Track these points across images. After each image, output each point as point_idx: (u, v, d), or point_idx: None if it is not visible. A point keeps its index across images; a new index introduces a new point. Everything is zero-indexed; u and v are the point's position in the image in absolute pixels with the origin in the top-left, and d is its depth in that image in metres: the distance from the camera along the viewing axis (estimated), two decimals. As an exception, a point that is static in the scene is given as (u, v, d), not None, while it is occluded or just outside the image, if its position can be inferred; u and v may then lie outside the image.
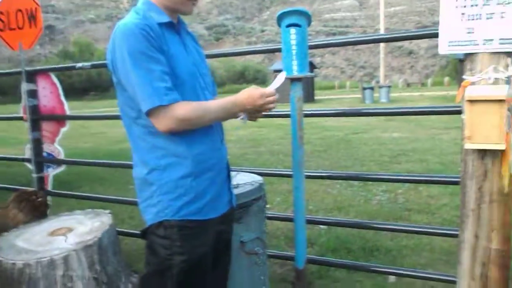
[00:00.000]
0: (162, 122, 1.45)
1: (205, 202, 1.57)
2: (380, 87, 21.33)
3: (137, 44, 1.41)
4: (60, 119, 3.56)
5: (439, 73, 49.91)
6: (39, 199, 3.16)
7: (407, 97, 21.81)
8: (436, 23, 1.84)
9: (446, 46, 1.82)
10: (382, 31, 27.36)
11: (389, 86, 21.46)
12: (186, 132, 1.51)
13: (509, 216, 1.84)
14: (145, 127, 1.53)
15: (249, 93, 1.58)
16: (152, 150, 1.54)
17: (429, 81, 38.55)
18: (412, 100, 19.95)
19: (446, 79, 35.62)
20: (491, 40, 1.72)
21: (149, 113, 1.44)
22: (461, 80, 1.85)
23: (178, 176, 1.52)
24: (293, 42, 1.89)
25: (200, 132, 1.56)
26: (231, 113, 1.58)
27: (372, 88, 21.32)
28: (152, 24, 1.46)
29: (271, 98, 1.60)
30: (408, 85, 38.38)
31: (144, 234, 1.63)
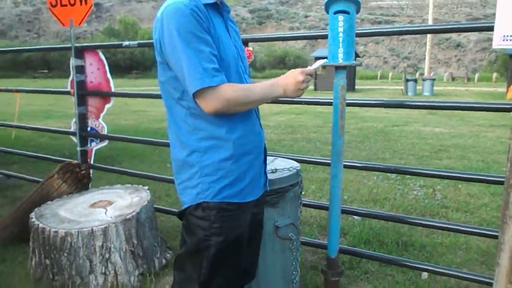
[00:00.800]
0: (210, 103, 1.45)
1: (244, 185, 1.59)
2: (424, 79, 20.68)
3: (187, 24, 1.41)
4: (105, 95, 3.66)
5: (487, 69, 47.91)
6: (83, 172, 3.28)
7: (452, 91, 21.09)
8: (487, 16, 1.79)
9: (500, 40, 1.74)
10: (430, 22, 26.45)
11: (433, 79, 20.77)
12: (228, 115, 1.52)
13: (554, 220, 1.77)
14: (188, 108, 1.53)
15: (290, 72, 1.59)
16: (193, 132, 1.54)
17: (476, 76, 37.08)
18: (457, 94, 19.29)
19: (495, 75, 34.17)
20: (550, 35, 1.64)
21: (197, 93, 1.44)
22: (511, 77, 1.78)
23: (219, 158, 1.53)
24: (341, 29, 1.86)
25: (241, 116, 1.57)
26: (275, 95, 1.57)
27: (415, 80, 20.71)
28: (199, 5, 1.47)
29: (309, 77, 1.59)
30: (454, 79, 37.07)
31: (181, 215, 1.65)
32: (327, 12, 1.92)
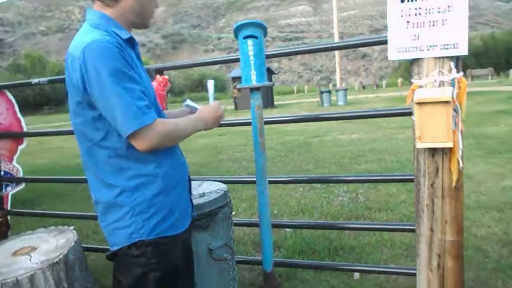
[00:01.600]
0: (147, 141, 1.41)
1: (176, 216, 1.58)
2: (337, 90, 21.81)
3: (115, 63, 1.36)
4: (17, 136, 3.47)
5: (393, 75, 51.56)
6: (0, 219, 3.08)
7: (364, 99, 22.41)
8: (386, 26, 1.96)
9: (394, 52, 1.93)
10: (336, 36, 27.98)
11: (345, 89, 21.98)
12: (153, 151, 1.49)
13: (461, 209, 1.96)
14: (112, 149, 1.48)
15: (210, 108, 1.67)
16: (120, 172, 1.49)
17: (384, 82, 39.77)
18: (368, 101, 20.52)
19: (400, 80, 36.84)
20: (435, 45, 1.85)
21: (132, 133, 1.39)
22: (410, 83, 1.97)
23: (150, 195, 1.51)
24: (251, 53, 1.95)
25: (166, 149, 1.56)
26: (199, 129, 1.63)
27: (329, 92, 21.76)
28: (120, 41, 1.44)
29: (223, 106, 1.69)
30: (364, 87, 39.39)
31: (112, 256, 1.59)
32: (237, 38, 2.01)
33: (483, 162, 5.93)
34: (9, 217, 3.38)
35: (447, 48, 1.83)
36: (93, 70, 1.36)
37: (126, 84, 1.37)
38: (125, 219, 1.50)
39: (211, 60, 2.71)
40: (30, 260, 2.56)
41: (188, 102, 1.81)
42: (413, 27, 1.89)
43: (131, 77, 1.40)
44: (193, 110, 1.76)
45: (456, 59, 1.85)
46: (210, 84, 1.84)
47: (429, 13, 1.85)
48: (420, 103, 1.78)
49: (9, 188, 3.56)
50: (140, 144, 1.42)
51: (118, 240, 1.54)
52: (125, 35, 1.50)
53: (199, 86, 45.50)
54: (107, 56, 1.36)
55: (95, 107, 1.43)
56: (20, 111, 3.46)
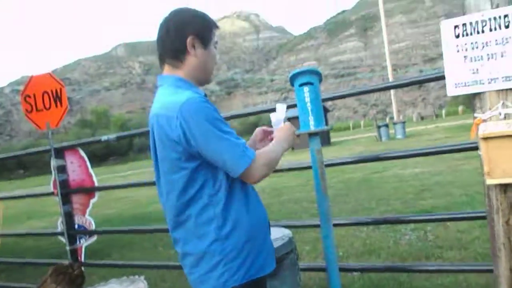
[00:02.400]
0: (256, 175, 1.54)
1: (264, 257, 1.64)
2: (395, 123, 21.39)
3: (212, 113, 1.50)
4: (89, 191, 3.69)
5: (453, 103, 49.73)
6: (76, 272, 3.23)
7: (423, 130, 21.76)
8: (441, 54, 1.93)
9: (453, 88, 1.91)
10: (389, 68, 27.72)
11: (403, 122, 21.51)
12: (240, 198, 1.59)
13: (542, 246, 1.84)
14: (209, 197, 1.56)
15: (286, 128, 1.81)
16: (211, 222, 1.56)
17: (443, 111, 38.48)
18: (428, 133, 19.88)
19: (460, 108, 35.54)
20: (496, 78, 1.81)
21: (244, 171, 1.51)
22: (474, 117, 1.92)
23: (241, 242, 1.57)
24: (307, 99, 1.99)
25: (250, 194, 1.66)
26: (285, 150, 1.74)
27: (386, 125, 21.37)
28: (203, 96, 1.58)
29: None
30: (422, 118, 38.38)
31: None
32: (292, 85, 2.06)
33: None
34: (83, 269, 3.54)
35: (510, 80, 1.78)
36: (195, 124, 1.48)
37: (225, 128, 1.51)
38: (218, 267, 1.56)
39: (263, 109, 2.77)
40: (105, 311, 2.65)
41: (279, 106, 1.93)
42: (471, 61, 1.86)
43: (224, 122, 1.54)
44: (270, 125, 1.92)
45: (520, 90, 1.79)
46: (282, 108, 1.91)
47: (487, 45, 1.82)
48: (486, 138, 1.73)
49: (82, 240, 3.74)
50: (251, 178, 1.55)
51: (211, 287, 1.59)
52: (201, 91, 1.64)
53: (255, 128, 46.21)
54: (204, 109, 1.49)
55: (195, 159, 1.53)
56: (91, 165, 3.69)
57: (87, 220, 3.69)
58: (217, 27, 1.74)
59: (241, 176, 1.52)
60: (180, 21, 1.65)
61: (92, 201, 3.69)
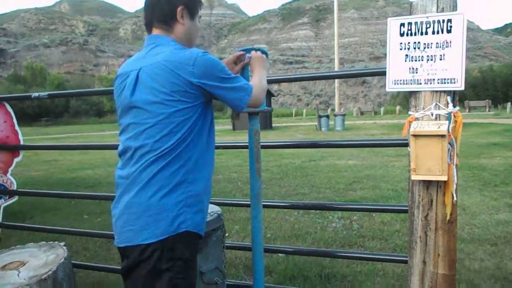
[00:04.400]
0: (259, 98, 1.78)
1: (203, 217, 1.73)
2: (335, 115, 21.94)
3: (221, 63, 1.70)
4: (13, 149, 3.47)
5: (391, 102, 51.95)
6: (-10, 232, 3.05)
7: (361, 125, 22.52)
8: (386, 54, 1.99)
9: (392, 84, 1.96)
10: (336, 62, 28.30)
11: (343, 114, 22.11)
12: (206, 154, 1.73)
13: (454, 242, 1.96)
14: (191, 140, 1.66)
15: (259, 56, 2.01)
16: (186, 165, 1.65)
17: (382, 109, 40.04)
18: (366, 128, 20.61)
19: (398, 108, 37.12)
20: (433, 80, 1.87)
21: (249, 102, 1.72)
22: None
23: (201, 191, 1.69)
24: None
25: (212, 156, 1.80)
26: (267, 72, 2.01)
27: (327, 116, 21.89)
28: None
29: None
30: (362, 113, 39.66)
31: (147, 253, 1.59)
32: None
33: (479, 194, 5.93)
34: (0, 230, 3.35)
35: (445, 83, 1.85)
36: (209, 73, 1.63)
37: (231, 74, 1.70)
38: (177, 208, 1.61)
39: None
40: (18, 275, 2.53)
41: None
42: (412, 60, 1.92)
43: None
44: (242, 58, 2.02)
45: (453, 93, 1.88)
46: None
47: (428, 47, 1.88)
48: (416, 135, 1.79)
49: (1, 200, 3.53)
50: (255, 103, 1.78)
51: (160, 230, 1.60)
52: None
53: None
54: (214, 59, 1.67)
55: (184, 101, 1.62)
56: (18, 122, 3.46)
57: (8, 179, 3.48)
58: (202, 4, 1.92)
59: (249, 103, 1.74)
60: None
61: (16, 159, 3.47)
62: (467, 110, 31.36)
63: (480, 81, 45.29)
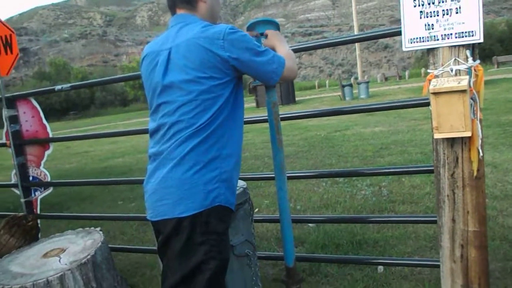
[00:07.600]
0: (294, 67, 1.82)
1: (235, 195, 1.79)
2: (359, 83, 21.53)
3: (251, 38, 1.71)
4: (44, 142, 3.58)
5: (416, 65, 50.60)
6: (30, 223, 3.19)
7: (386, 91, 22.10)
8: None
9: (408, 43, 1.92)
10: (355, 28, 27.70)
11: (367, 82, 21.68)
12: (237, 130, 1.81)
13: (483, 198, 1.94)
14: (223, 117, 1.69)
15: (276, 33, 2.00)
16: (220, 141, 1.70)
17: (407, 73, 39.09)
18: (390, 93, 20.23)
19: (423, 70, 36.14)
20: (450, 34, 1.83)
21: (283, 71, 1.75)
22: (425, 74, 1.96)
23: (231, 166, 1.74)
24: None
25: (241, 132, 1.87)
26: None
27: (351, 85, 21.56)
28: None
29: None
30: (386, 79, 38.84)
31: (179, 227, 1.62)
32: (250, 36, 2.02)
33: (511, 151, 5.79)
34: (39, 221, 3.49)
35: (462, 37, 1.81)
36: (240, 47, 1.64)
37: (262, 48, 1.72)
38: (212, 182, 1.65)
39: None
40: (59, 261, 2.65)
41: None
42: (427, 16, 1.87)
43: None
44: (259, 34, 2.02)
45: (472, 47, 1.83)
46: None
47: (443, 1, 1.83)
48: (436, 93, 1.76)
49: (38, 193, 3.67)
50: (289, 75, 1.81)
51: (195, 204, 1.64)
52: None
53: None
54: (243, 35, 1.68)
55: (216, 77, 1.64)
56: (46, 117, 3.57)
57: (41, 172, 3.61)
58: None
59: (281, 79, 1.77)
60: None
61: (47, 152, 3.59)
62: (495, 66, 30.23)
63: (508, 34, 43.44)
